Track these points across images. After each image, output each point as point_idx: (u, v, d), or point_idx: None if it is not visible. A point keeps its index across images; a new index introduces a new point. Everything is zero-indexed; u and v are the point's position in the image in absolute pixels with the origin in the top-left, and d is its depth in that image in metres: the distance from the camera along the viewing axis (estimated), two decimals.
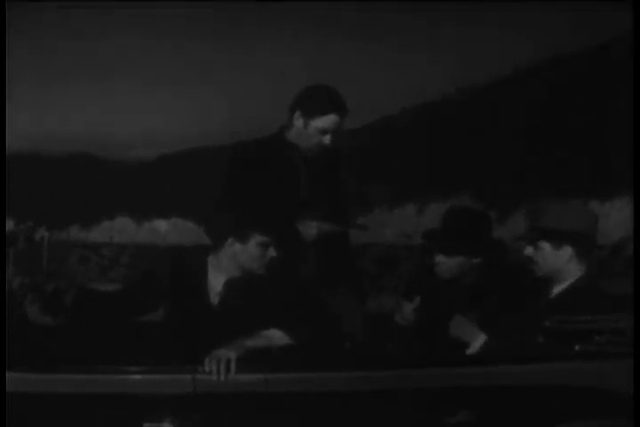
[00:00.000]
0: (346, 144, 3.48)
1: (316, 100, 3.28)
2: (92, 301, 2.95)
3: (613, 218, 10.02)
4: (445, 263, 3.15)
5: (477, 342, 2.87)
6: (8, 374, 2.39)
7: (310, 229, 3.25)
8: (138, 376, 2.47)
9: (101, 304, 2.95)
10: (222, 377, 2.47)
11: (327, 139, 3.28)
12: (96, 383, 2.44)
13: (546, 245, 2.95)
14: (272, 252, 2.88)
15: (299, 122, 3.29)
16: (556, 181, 10.92)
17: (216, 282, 2.92)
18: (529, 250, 2.99)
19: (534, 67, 13.07)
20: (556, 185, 10.75)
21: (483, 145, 12.79)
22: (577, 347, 2.63)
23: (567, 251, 2.93)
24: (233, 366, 2.49)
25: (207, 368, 2.48)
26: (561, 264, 2.94)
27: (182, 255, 3.04)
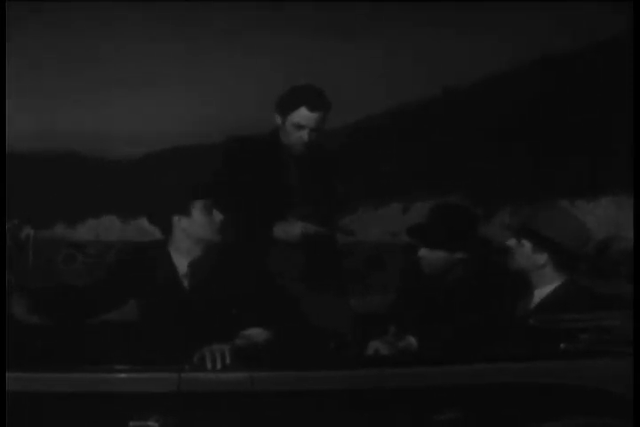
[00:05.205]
0: (330, 143, 3.49)
1: (288, 96, 3.33)
2: (64, 298, 2.97)
3: (598, 217, 10.07)
4: (428, 257, 3.17)
5: None
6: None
7: (295, 228, 3.25)
8: (123, 375, 2.46)
9: (71, 301, 2.96)
10: (219, 366, 2.45)
11: (305, 134, 3.28)
12: (81, 382, 2.43)
13: (527, 244, 2.96)
14: (218, 215, 2.93)
15: (278, 120, 3.34)
16: (542, 181, 10.96)
17: (182, 266, 2.96)
18: (511, 241, 3.00)
19: (530, 66, 13.10)
20: (541, 184, 10.79)
21: (468, 144, 12.82)
22: (562, 345, 2.64)
23: (543, 257, 2.93)
24: (228, 355, 2.48)
25: (197, 361, 2.47)
26: (532, 267, 2.95)
27: (142, 247, 3.08)
